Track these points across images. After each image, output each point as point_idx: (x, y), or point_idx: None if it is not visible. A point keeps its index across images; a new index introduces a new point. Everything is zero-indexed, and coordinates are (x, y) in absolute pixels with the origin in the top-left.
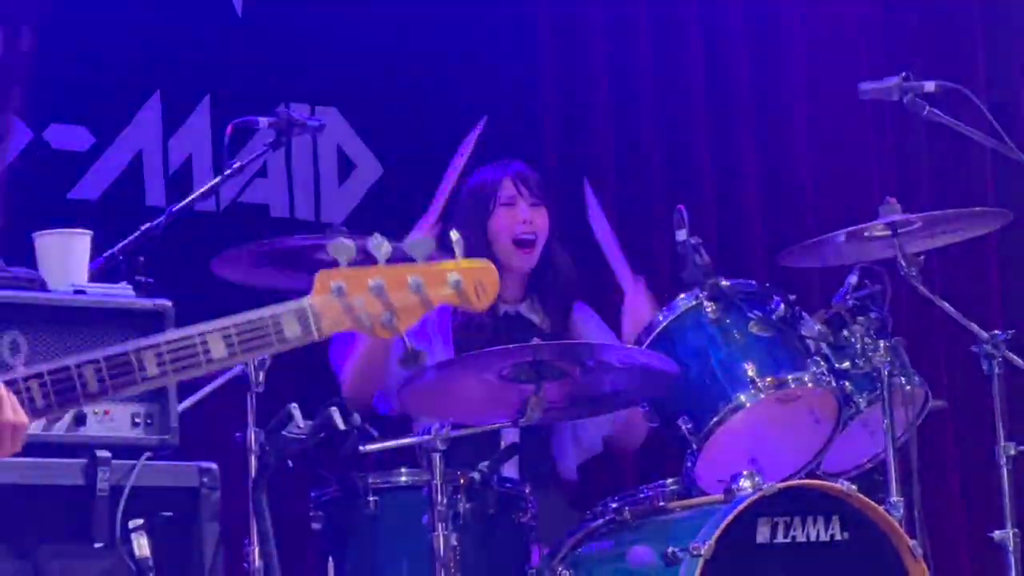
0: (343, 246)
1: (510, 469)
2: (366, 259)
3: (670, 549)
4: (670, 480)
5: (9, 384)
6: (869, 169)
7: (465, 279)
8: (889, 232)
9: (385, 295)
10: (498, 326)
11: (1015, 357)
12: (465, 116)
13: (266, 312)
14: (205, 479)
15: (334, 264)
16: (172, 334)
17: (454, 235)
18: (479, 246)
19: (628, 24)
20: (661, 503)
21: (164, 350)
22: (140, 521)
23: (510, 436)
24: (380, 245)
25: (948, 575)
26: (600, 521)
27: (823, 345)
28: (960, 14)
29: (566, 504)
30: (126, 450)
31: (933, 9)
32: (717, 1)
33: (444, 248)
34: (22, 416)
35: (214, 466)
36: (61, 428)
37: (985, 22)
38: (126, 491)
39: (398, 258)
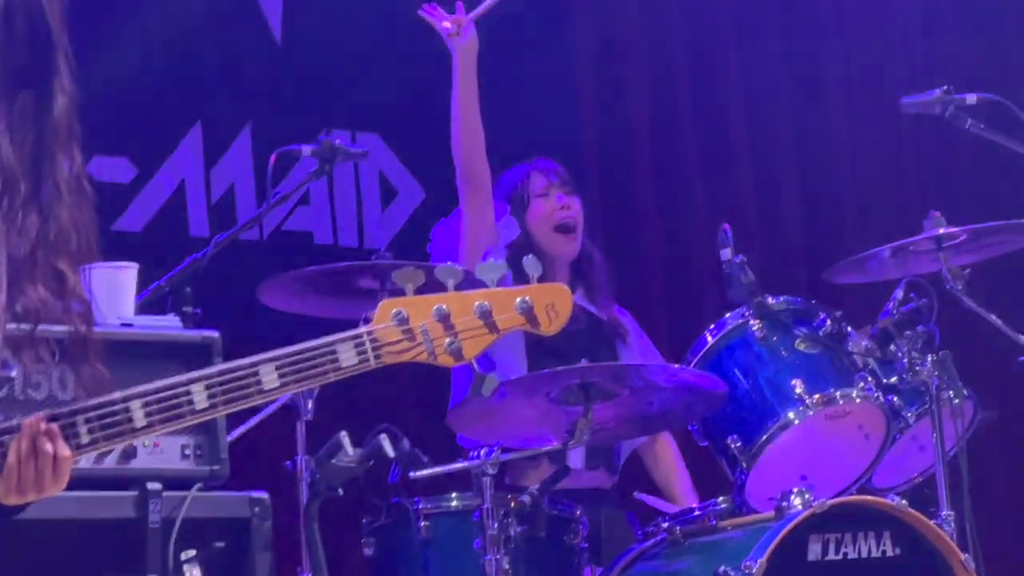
0: (409, 273)
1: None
2: (435, 287)
3: (722, 568)
4: (721, 498)
5: (54, 419)
6: (912, 183)
7: (536, 302)
8: (934, 246)
9: (449, 321)
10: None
11: None
12: (505, 136)
13: (321, 341)
14: (256, 509)
15: (392, 292)
16: (222, 366)
17: (528, 261)
18: (520, 243)
19: (667, 50)
20: (712, 522)
21: (214, 382)
22: (192, 552)
23: (574, 457)
24: (450, 272)
25: None
26: (652, 541)
27: (870, 360)
28: (999, 26)
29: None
30: (177, 482)
31: (972, 22)
32: (754, 24)
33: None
34: (65, 451)
35: (265, 495)
36: (111, 461)
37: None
38: (178, 523)
39: (469, 285)
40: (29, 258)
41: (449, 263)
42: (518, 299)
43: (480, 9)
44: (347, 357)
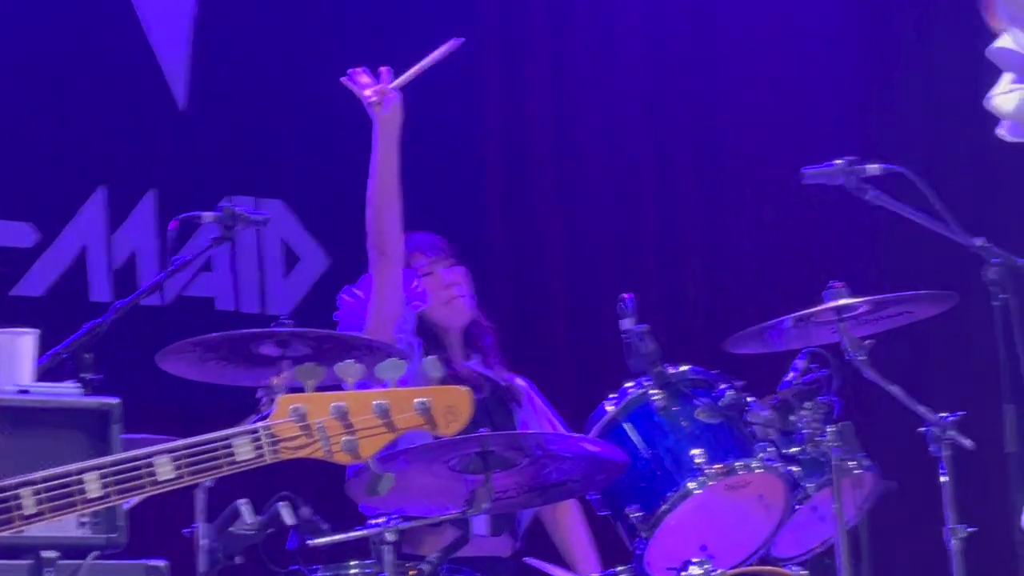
0: (310, 370)
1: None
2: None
3: None
4: (620, 568)
5: None
6: (814, 253)
7: (435, 404)
8: (835, 316)
9: (347, 419)
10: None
11: (963, 439)
12: (410, 202)
13: (218, 435)
14: None
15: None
16: (117, 456)
17: (429, 362)
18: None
19: (574, 118)
20: None
21: (108, 472)
22: None
23: (478, 523)
24: (349, 369)
25: None
26: None
27: (771, 431)
28: (901, 95)
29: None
30: (72, 550)
31: (874, 92)
32: (662, 87)
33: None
34: None
35: (163, 564)
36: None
37: (926, 101)
38: None
39: (370, 382)
40: None
41: (393, 359)
42: (417, 400)
43: (404, 78)
44: (243, 451)
